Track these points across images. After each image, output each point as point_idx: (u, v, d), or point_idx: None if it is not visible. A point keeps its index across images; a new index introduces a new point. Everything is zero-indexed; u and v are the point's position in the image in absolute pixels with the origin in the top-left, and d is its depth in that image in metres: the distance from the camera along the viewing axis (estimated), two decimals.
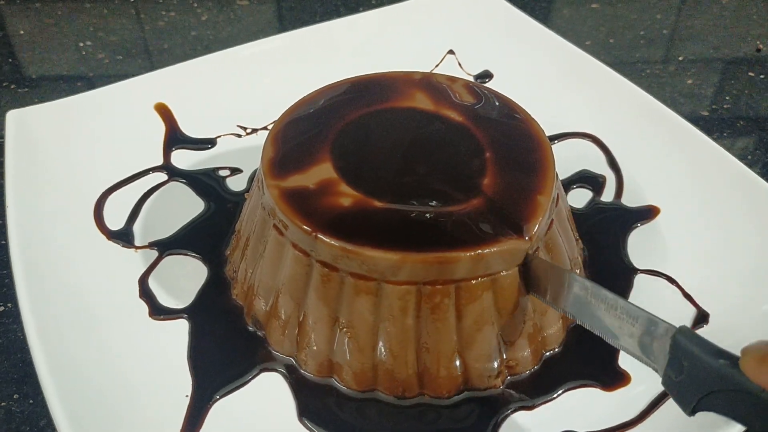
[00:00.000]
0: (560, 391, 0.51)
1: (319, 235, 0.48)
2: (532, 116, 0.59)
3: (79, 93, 0.72)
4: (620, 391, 0.51)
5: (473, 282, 0.48)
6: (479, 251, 0.46)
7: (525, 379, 0.53)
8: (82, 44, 0.95)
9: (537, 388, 0.52)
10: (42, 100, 0.72)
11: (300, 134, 0.56)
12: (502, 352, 0.51)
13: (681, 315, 0.56)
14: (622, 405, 0.50)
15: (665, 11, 1.03)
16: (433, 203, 0.50)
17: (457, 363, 0.50)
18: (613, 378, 0.52)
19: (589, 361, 0.53)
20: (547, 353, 0.54)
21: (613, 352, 0.53)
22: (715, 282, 0.57)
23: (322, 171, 0.52)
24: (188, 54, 0.90)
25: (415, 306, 0.48)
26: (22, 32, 0.98)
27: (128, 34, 0.97)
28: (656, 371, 0.41)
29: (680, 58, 0.94)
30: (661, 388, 0.50)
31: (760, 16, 1.02)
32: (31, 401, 0.54)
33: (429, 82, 0.61)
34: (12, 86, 0.87)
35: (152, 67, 0.81)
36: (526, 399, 0.51)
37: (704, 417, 0.47)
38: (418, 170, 0.53)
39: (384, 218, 0.49)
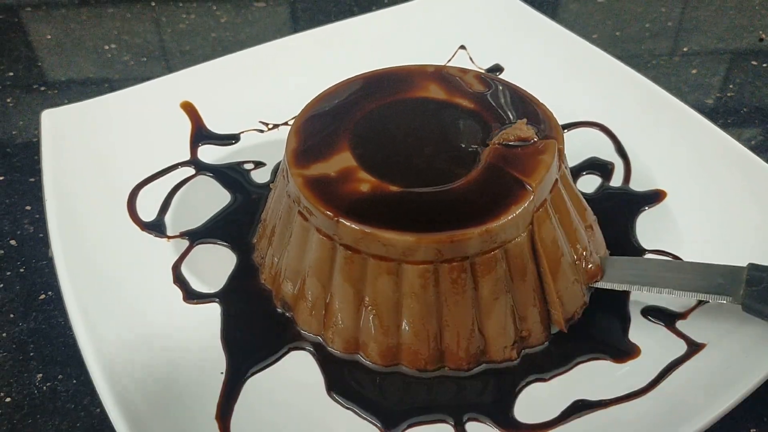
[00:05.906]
0: (573, 364, 0.54)
1: (341, 220, 0.51)
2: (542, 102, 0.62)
3: (106, 94, 0.76)
4: (630, 363, 0.54)
5: (487, 255, 0.51)
6: (488, 226, 0.50)
7: (539, 352, 0.55)
8: (107, 47, 0.98)
9: (550, 361, 0.55)
10: (72, 101, 0.75)
11: (321, 126, 0.59)
12: (516, 322, 0.54)
13: None
14: (633, 375, 0.53)
15: (670, 4, 1.06)
16: (446, 183, 0.53)
17: (476, 335, 0.53)
18: (623, 351, 0.55)
19: (601, 335, 0.56)
20: None
21: (624, 326, 0.56)
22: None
23: (342, 159, 0.55)
24: (209, 55, 0.94)
25: (434, 283, 0.51)
26: (49, 37, 1.01)
27: (151, 37, 1.01)
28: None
29: (685, 49, 0.96)
30: (668, 360, 0.53)
31: (763, 6, 1.04)
32: (74, 381, 0.57)
33: (441, 74, 0.64)
34: (42, 88, 0.91)
35: (175, 68, 0.84)
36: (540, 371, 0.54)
37: (709, 387, 0.50)
38: (431, 155, 0.56)
39: (400, 201, 0.52)
